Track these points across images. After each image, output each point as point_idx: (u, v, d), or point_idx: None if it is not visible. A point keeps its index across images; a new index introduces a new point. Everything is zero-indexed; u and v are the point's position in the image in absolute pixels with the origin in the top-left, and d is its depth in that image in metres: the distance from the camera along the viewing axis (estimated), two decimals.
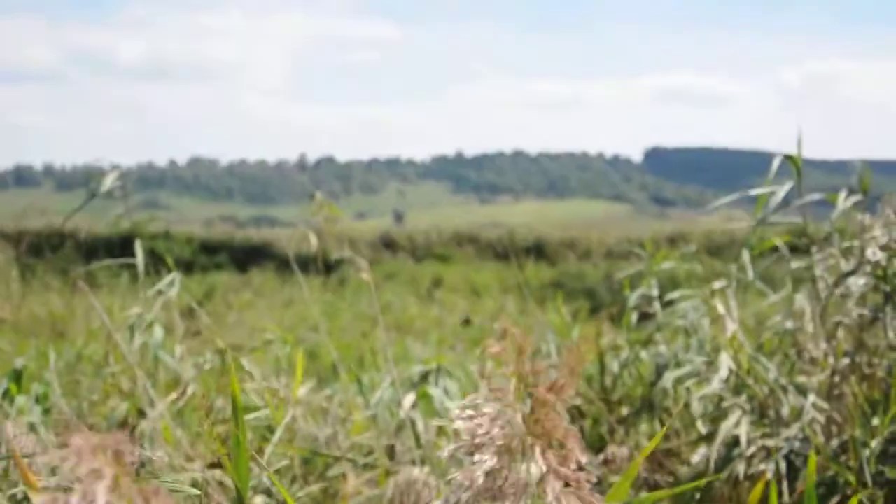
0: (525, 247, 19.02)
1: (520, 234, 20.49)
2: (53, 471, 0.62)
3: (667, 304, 3.06)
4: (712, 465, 2.20)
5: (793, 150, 2.41)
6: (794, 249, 2.53)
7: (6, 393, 2.41)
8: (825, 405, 2.22)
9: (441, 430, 2.29)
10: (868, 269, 2.27)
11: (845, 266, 2.34)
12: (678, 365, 2.66)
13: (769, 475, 2.09)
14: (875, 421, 2.06)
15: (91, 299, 2.49)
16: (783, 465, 2.13)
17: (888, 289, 2.25)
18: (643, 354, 3.00)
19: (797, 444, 2.15)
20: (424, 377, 2.73)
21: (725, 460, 2.21)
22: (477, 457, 0.83)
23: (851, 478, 1.88)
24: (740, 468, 2.18)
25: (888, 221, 2.27)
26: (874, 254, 2.25)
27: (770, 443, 2.20)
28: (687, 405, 2.70)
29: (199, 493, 1.24)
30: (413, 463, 2.17)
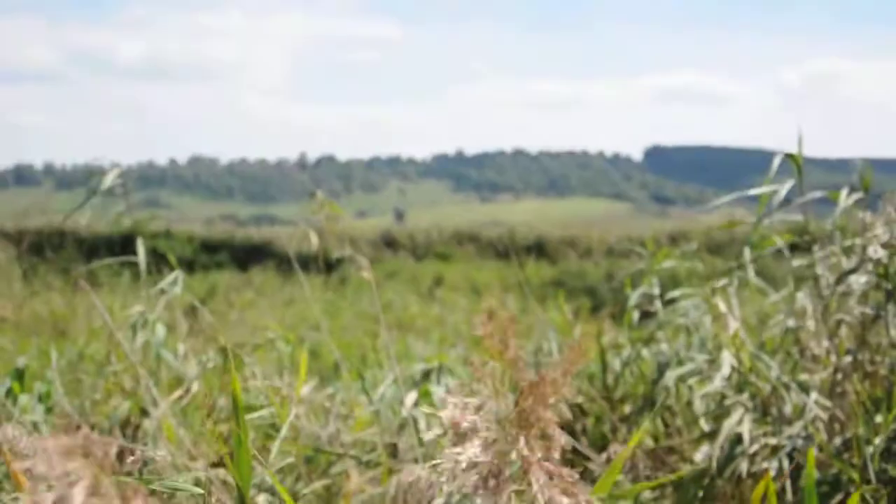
0: (526, 245, 19.02)
1: (520, 232, 20.48)
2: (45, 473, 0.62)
3: (668, 303, 3.06)
4: (715, 463, 2.20)
5: (793, 149, 2.41)
6: (796, 248, 2.53)
7: (9, 392, 2.42)
8: (828, 403, 2.23)
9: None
10: (870, 266, 2.27)
11: (847, 264, 2.34)
12: (680, 363, 2.66)
13: (772, 473, 2.09)
14: (878, 418, 2.06)
15: (93, 298, 2.49)
16: (786, 463, 2.13)
17: (890, 286, 2.25)
18: (645, 353, 3.00)
19: (800, 442, 2.15)
20: (426, 375, 2.74)
21: (728, 458, 2.21)
22: (462, 447, 0.83)
23: (855, 475, 1.88)
24: (743, 466, 2.18)
25: (889, 219, 2.27)
26: (876, 251, 2.25)
27: (773, 441, 2.20)
28: (689, 403, 2.70)
29: (202, 492, 1.24)
30: (416, 461, 2.17)
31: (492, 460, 0.82)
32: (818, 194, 2.44)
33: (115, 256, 2.99)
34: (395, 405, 2.49)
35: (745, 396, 2.32)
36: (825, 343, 2.38)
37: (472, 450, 0.82)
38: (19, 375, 2.46)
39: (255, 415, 2.15)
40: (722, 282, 2.64)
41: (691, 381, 2.64)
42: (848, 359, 2.30)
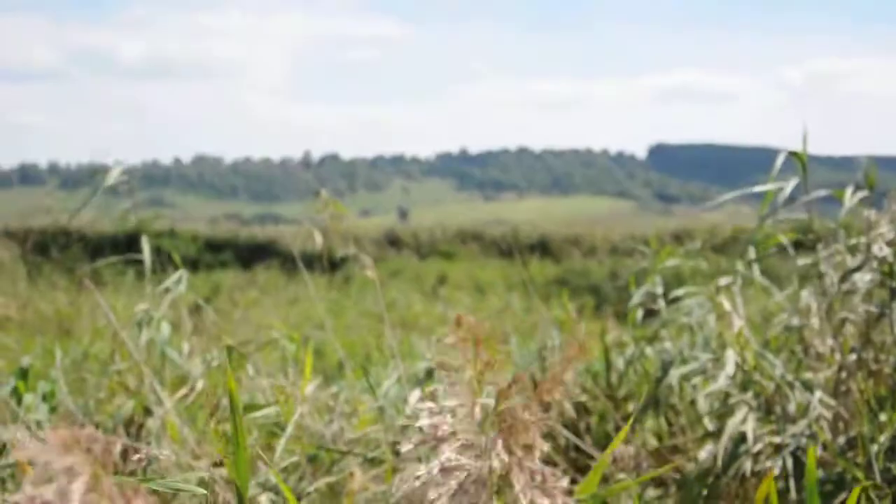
0: (529, 244, 19.01)
1: (524, 230, 20.48)
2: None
3: (672, 301, 3.05)
4: (719, 461, 2.20)
5: (797, 147, 2.41)
6: (800, 246, 2.53)
7: (14, 391, 2.42)
8: (832, 401, 2.22)
9: None
10: (874, 265, 2.27)
11: (851, 262, 2.34)
12: (684, 362, 2.66)
13: (776, 472, 2.08)
14: (882, 417, 2.06)
15: (97, 297, 2.50)
16: (790, 462, 2.13)
17: (894, 285, 2.24)
18: (648, 351, 3.00)
19: (804, 441, 2.14)
20: (430, 374, 2.74)
21: (732, 457, 2.20)
22: (439, 452, 0.83)
23: (859, 474, 1.88)
24: (747, 465, 2.17)
25: (894, 217, 2.27)
26: (880, 249, 2.24)
27: (777, 439, 2.20)
28: (693, 402, 2.70)
29: (204, 492, 1.24)
30: (419, 460, 2.17)
31: (472, 464, 0.82)
32: (823, 193, 2.43)
33: (119, 256, 2.99)
34: (399, 403, 2.49)
35: (749, 395, 2.32)
36: (829, 341, 2.37)
37: (451, 454, 0.82)
38: (24, 374, 2.46)
39: (260, 413, 2.15)
40: (726, 280, 2.64)
41: (695, 379, 2.64)
42: (852, 357, 2.29)
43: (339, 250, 2.67)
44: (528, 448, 0.83)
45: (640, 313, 3.18)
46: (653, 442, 2.75)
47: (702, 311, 2.81)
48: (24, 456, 0.61)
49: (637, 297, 3.11)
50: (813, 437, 2.14)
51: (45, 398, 2.58)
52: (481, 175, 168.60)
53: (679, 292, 2.99)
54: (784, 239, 2.53)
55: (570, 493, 0.84)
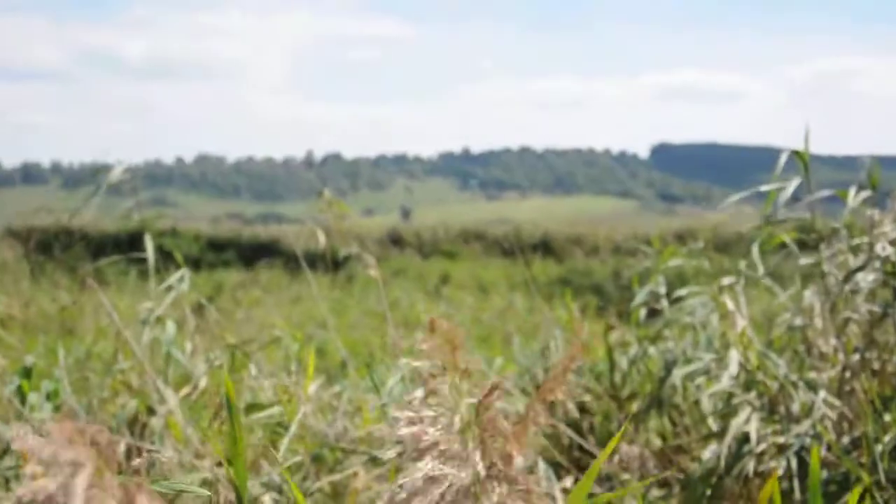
0: (532, 243, 19.00)
1: (527, 230, 20.46)
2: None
3: (675, 301, 3.05)
4: (723, 461, 2.20)
5: (800, 146, 2.40)
6: (803, 245, 2.53)
7: (17, 390, 2.42)
8: (836, 401, 2.22)
9: None
10: (877, 264, 2.26)
11: (854, 262, 2.33)
12: (687, 361, 2.66)
13: (780, 472, 2.08)
14: (887, 417, 2.06)
15: (100, 296, 2.50)
16: (794, 462, 2.13)
17: None
18: (652, 351, 3.00)
19: (808, 441, 2.14)
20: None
21: (736, 457, 2.20)
22: (421, 462, 0.82)
23: (864, 474, 1.87)
24: (751, 465, 2.17)
25: None
26: (884, 249, 2.24)
27: (780, 439, 2.20)
28: (696, 402, 2.69)
29: (208, 493, 1.24)
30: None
31: (454, 473, 0.82)
32: (826, 192, 2.43)
33: (122, 255, 3.00)
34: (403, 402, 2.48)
35: (752, 395, 2.32)
36: (833, 341, 2.37)
37: (431, 463, 0.82)
38: (27, 374, 2.46)
39: (264, 414, 2.15)
40: (729, 280, 2.63)
41: (699, 379, 2.63)
42: (856, 357, 2.29)
43: (341, 249, 2.67)
44: (509, 457, 0.83)
45: (643, 313, 3.18)
46: (656, 442, 2.75)
47: (705, 311, 2.80)
48: (27, 448, 0.61)
49: (640, 296, 3.11)
50: (817, 437, 2.14)
51: (48, 397, 2.58)
52: (484, 174, 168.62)
53: (682, 292, 2.98)
54: (787, 238, 2.52)
55: (568, 492, 0.84)
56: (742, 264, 2.67)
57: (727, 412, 2.42)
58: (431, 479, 0.81)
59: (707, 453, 2.41)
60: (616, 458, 2.37)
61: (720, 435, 2.38)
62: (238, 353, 2.77)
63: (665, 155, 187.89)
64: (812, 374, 2.36)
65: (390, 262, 16.69)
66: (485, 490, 0.82)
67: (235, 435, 1.13)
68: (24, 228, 16.47)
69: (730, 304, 2.46)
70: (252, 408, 2.25)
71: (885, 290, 2.30)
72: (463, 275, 15.82)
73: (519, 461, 0.83)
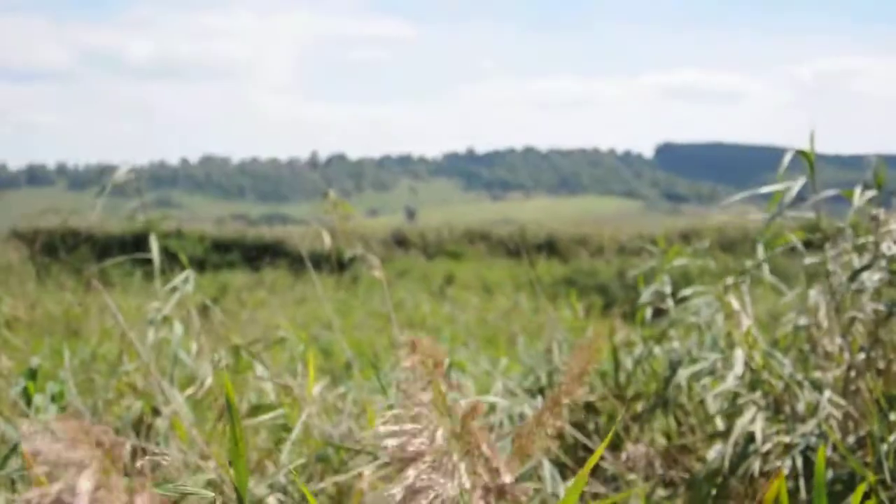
0: (537, 243, 18.99)
1: (531, 230, 20.45)
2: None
3: (680, 301, 3.05)
4: (728, 461, 2.19)
5: (805, 145, 2.40)
6: (808, 245, 2.52)
7: (23, 391, 2.43)
8: (841, 401, 2.21)
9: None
10: (883, 263, 2.26)
11: (860, 261, 2.33)
12: (692, 361, 2.65)
13: (785, 472, 2.08)
14: (892, 416, 2.05)
15: (105, 297, 2.50)
16: (800, 462, 2.12)
17: None
18: (657, 351, 3.00)
19: (813, 440, 2.14)
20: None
21: (741, 457, 2.20)
22: (406, 473, 0.83)
23: (869, 474, 1.87)
24: (756, 465, 2.17)
25: None
26: (889, 248, 2.24)
27: (786, 439, 2.20)
28: (702, 401, 2.69)
29: (212, 495, 1.24)
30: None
31: (441, 483, 0.82)
32: (831, 192, 2.43)
33: (127, 256, 3.00)
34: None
35: (757, 395, 2.31)
36: (838, 340, 2.36)
37: (421, 475, 0.82)
38: (33, 375, 2.46)
39: (269, 416, 2.15)
40: (734, 279, 2.63)
41: (704, 379, 2.63)
42: (861, 356, 2.28)
43: (346, 250, 2.67)
44: (495, 468, 0.83)
45: (648, 313, 3.18)
46: (662, 442, 2.75)
47: (710, 311, 2.80)
48: (34, 450, 0.61)
49: (645, 296, 3.11)
50: (822, 436, 2.14)
51: (54, 398, 2.58)
52: (488, 175, 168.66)
53: (687, 292, 2.98)
54: (793, 238, 2.52)
55: None
56: (747, 264, 2.67)
57: (732, 412, 2.42)
58: (418, 490, 0.82)
59: (712, 453, 2.41)
60: (622, 457, 2.37)
61: (725, 435, 2.38)
62: (243, 354, 2.77)
63: (669, 155, 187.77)
64: (817, 374, 2.36)
65: (395, 262, 16.69)
66: (472, 502, 0.82)
67: (237, 437, 1.13)
68: (29, 230, 16.51)
69: (735, 304, 2.46)
70: (256, 409, 2.25)
71: (891, 289, 2.30)
72: (468, 275, 15.82)
73: (507, 478, 0.83)
